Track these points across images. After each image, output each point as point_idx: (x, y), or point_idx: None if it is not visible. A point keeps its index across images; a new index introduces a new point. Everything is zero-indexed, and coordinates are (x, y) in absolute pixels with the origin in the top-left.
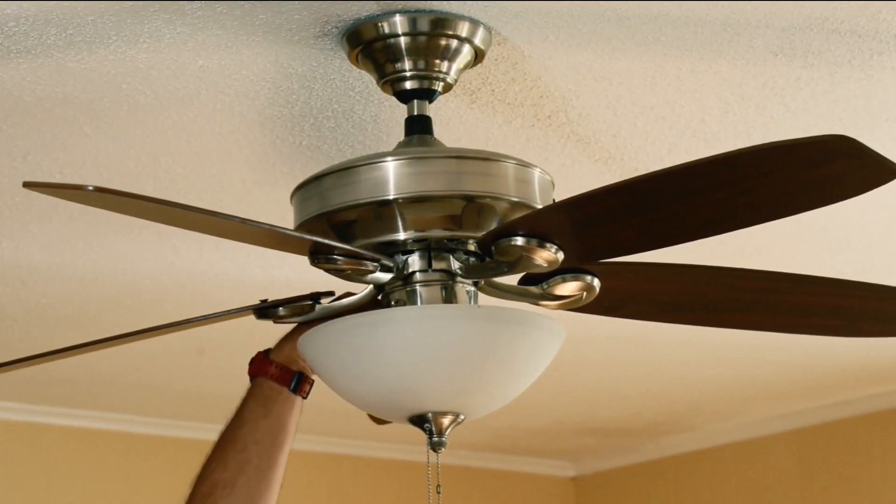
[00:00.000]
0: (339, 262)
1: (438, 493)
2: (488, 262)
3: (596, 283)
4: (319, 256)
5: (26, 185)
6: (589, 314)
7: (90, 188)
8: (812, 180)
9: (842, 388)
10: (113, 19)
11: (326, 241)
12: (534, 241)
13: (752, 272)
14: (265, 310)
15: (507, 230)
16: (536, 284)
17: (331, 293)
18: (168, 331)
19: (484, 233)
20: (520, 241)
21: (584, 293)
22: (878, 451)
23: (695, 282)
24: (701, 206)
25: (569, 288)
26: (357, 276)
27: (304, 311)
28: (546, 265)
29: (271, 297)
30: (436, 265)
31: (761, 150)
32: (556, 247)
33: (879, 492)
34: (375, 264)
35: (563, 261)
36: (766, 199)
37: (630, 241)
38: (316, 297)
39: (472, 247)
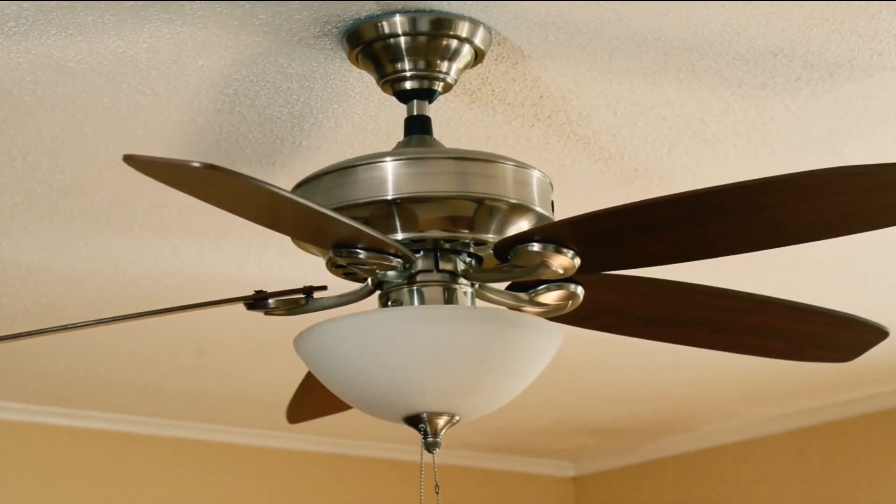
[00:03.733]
0: (362, 256)
1: (437, 492)
2: (503, 266)
3: (580, 291)
4: (343, 250)
5: (126, 158)
6: (564, 324)
7: (196, 164)
8: (870, 206)
9: (842, 388)
10: (113, 19)
11: (371, 231)
12: (551, 247)
13: (723, 291)
14: (256, 301)
15: (526, 237)
16: (524, 291)
17: (323, 287)
18: (162, 315)
19: (490, 235)
20: (537, 247)
21: (569, 302)
22: (878, 451)
23: (670, 297)
24: (746, 225)
25: (553, 296)
26: (366, 274)
27: (296, 304)
28: (563, 272)
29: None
30: (441, 266)
31: (822, 173)
32: (573, 253)
33: (879, 492)
34: (398, 259)
35: (580, 268)
36: (815, 221)
37: (658, 254)
38: (309, 291)
39: (472, 248)
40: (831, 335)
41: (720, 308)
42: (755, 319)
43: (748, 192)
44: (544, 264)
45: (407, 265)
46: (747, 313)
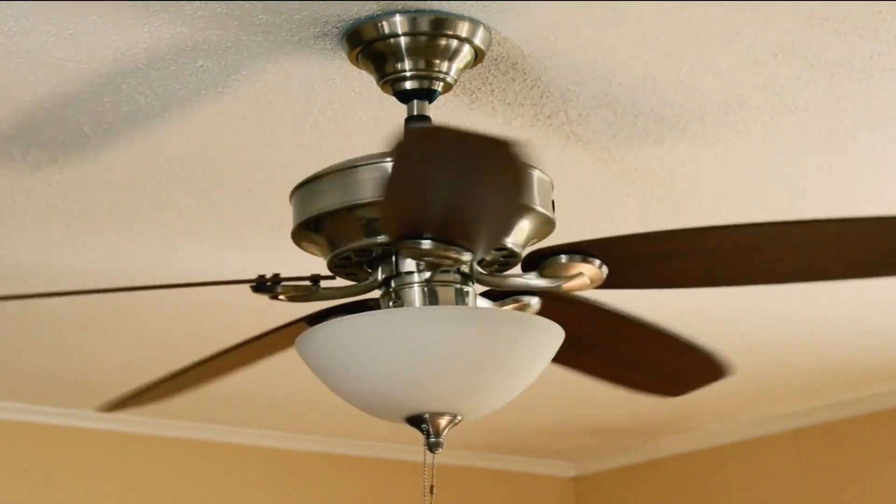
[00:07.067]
0: (355, 261)
1: (433, 493)
2: (536, 274)
3: (535, 303)
4: (339, 260)
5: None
6: None
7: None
8: (871, 257)
9: (842, 388)
10: (113, 19)
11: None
12: (578, 258)
13: (578, 299)
14: (263, 284)
15: (555, 250)
16: (494, 301)
17: (331, 277)
18: (168, 288)
19: (534, 250)
20: (565, 258)
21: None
22: (878, 451)
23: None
24: (773, 261)
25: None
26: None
27: (302, 291)
28: (590, 282)
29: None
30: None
31: (843, 222)
32: (600, 262)
33: (879, 492)
34: (380, 277)
35: (606, 279)
36: (833, 265)
37: (684, 280)
38: (316, 279)
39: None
40: (667, 362)
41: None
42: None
43: (774, 233)
44: (574, 275)
45: (403, 266)
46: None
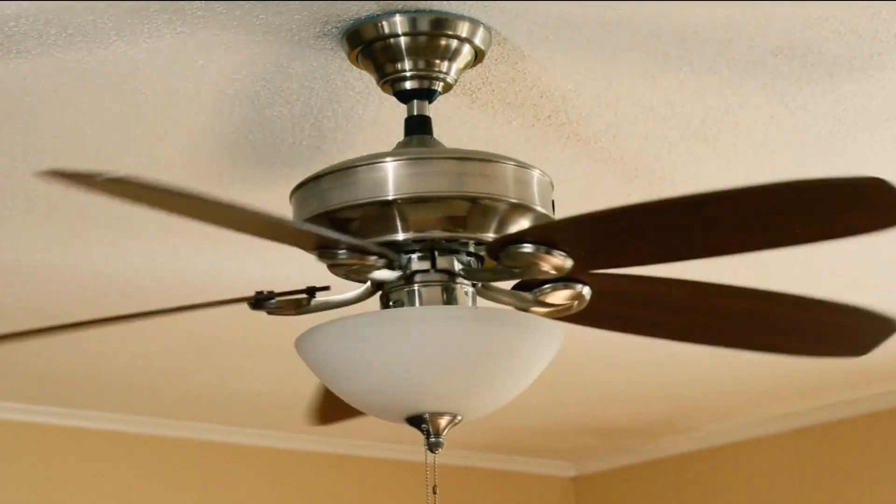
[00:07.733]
0: (345, 258)
1: (435, 493)
2: (496, 266)
3: (586, 291)
4: (326, 251)
5: (50, 174)
6: (570, 322)
7: (105, 177)
8: (838, 217)
9: (842, 388)
10: (113, 19)
11: (334, 235)
12: (542, 249)
13: (728, 288)
14: (259, 301)
15: (517, 238)
16: (529, 290)
17: (326, 288)
18: (165, 315)
19: (491, 235)
20: (528, 248)
21: (575, 302)
22: (878, 451)
23: (675, 296)
24: (721, 233)
25: (559, 296)
26: (361, 274)
27: (299, 304)
28: (555, 272)
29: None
30: (438, 266)
31: (794, 186)
32: (564, 254)
33: (879, 492)
34: (383, 259)
35: (573, 268)
36: (787, 231)
37: (651, 255)
38: (311, 291)
39: (473, 248)
40: (840, 329)
41: (724, 305)
42: (760, 314)
43: (737, 199)
44: (536, 264)
45: (397, 265)
46: (752, 308)
